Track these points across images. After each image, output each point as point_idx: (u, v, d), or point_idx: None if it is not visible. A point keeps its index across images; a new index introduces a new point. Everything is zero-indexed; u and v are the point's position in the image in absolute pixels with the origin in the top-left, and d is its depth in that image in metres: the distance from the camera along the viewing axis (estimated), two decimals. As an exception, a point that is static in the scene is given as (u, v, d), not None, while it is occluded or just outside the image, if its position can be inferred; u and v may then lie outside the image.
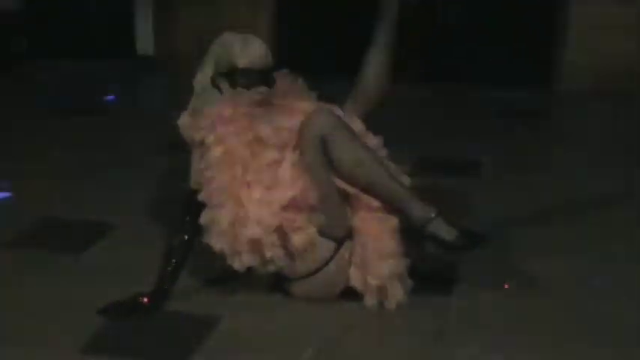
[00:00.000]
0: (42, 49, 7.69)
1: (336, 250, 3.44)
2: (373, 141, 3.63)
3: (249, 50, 3.54)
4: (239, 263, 3.40)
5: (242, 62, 3.52)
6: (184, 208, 3.54)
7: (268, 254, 3.36)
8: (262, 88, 3.53)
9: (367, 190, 3.44)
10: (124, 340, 3.25)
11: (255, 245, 3.35)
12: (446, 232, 3.37)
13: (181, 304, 3.48)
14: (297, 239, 3.35)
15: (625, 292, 3.66)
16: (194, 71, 3.68)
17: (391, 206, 3.44)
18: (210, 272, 3.64)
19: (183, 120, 3.53)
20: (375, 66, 3.66)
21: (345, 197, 3.48)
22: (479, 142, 5.71)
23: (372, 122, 3.69)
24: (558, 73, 7.01)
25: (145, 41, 7.55)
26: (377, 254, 3.44)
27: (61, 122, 6.07)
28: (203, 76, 3.60)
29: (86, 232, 4.19)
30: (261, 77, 3.55)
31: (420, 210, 3.38)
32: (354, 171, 3.41)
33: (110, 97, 6.69)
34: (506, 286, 3.52)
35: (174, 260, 3.49)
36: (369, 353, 3.21)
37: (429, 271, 3.66)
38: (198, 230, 3.45)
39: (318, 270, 3.44)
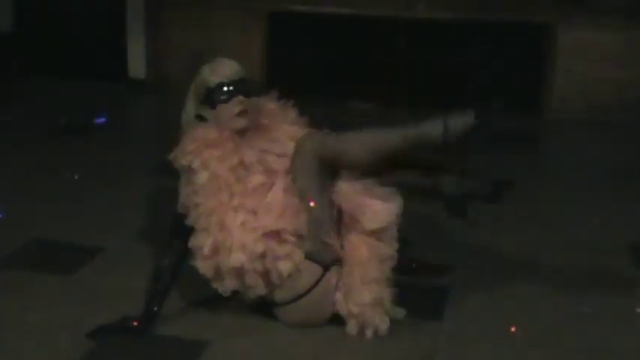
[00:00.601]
0: (35, 71, 7.70)
1: (322, 275, 3.45)
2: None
3: (218, 68, 3.55)
4: (222, 288, 3.42)
5: (213, 80, 3.52)
6: (172, 232, 3.55)
7: (249, 282, 3.38)
8: (239, 98, 3.51)
9: (391, 157, 3.53)
10: (114, 362, 3.27)
11: (238, 272, 3.37)
12: (462, 120, 3.64)
13: (170, 327, 3.49)
14: (283, 267, 3.36)
15: (612, 319, 3.68)
16: (185, 94, 3.69)
17: (419, 146, 3.54)
18: (199, 295, 3.65)
19: (176, 151, 3.53)
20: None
21: (338, 220, 3.50)
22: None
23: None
24: (548, 102, 7.04)
25: (136, 65, 7.58)
26: (360, 279, 3.43)
27: (52, 144, 6.08)
28: (187, 114, 3.62)
29: (75, 254, 4.20)
30: (236, 88, 3.52)
31: (431, 125, 3.51)
32: (376, 156, 3.48)
33: (101, 120, 6.70)
34: (512, 330, 3.51)
35: (162, 283, 3.50)
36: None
37: (420, 297, 3.67)
38: (186, 253, 3.46)
39: (303, 295, 3.45)
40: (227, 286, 3.41)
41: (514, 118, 6.82)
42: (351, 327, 3.45)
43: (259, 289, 3.40)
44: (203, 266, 3.40)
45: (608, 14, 7.15)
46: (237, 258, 3.33)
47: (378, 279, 3.44)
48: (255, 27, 7.39)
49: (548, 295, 3.87)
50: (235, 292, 3.46)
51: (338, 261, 3.48)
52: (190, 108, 3.61)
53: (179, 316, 3.57)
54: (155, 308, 3.47)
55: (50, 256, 4.20)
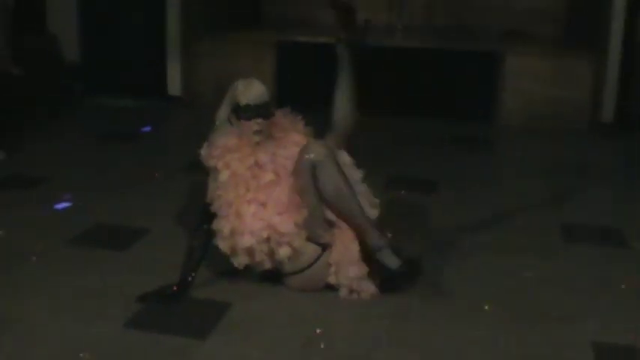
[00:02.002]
0: (96, 92, 7.70)
1: (321, 253, 3.48)
2: (356, 174, 3.63)
3: (249, 90, 3.53)
4: (237, 262, 3.47)
5: (243, 100, 3.51)
6: (201, 217, 3.58)
7: (258, 259, 3.43)
8: (259, 120, 3.52)
9: (339, 215, 3.48)
10: (157, 319, 3.30)
11: (249, 251, 3.42)
12: (391, 261, 3.41)
13: (201, 292, 3.53)
14: (282, 252, 3.42)
15: (549, 281, 3.73)
16: (212, 107, 3.70)
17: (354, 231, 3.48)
18: (223, 267, 3.66)
19: (204, 151, 3.57)
20: (342, 108, 3.73)
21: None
22: (435, 165, 5.74)
23: (352, 150, 3.75)
24: (498, 113, 7.03)
25: (174, 84, 7.58)
26: (345, 260, 3.46)
27: (107, 147, 6.09)
28: (221, 115, 3.63)
29: (127, 234, 4.23)
30: (258, 111, 3.51)
31: (375, 239, 3.43)
32: (333, 200, 3.44)
33: (146, 128, 6.70)
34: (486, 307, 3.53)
35: (194, 258, 3.53)
36: (352, 331, 3.26)
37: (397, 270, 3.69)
38: (212, 235, 3.50)
39: (305, 269, 3.49)
40: (241, 261, 3.47)
41: (472, 125, 6.90)
42: (343, 292, 3.49)
43: (267, 264, 3.47)
44: (223, 245, 3.46)
45: (542, 44, 7.18)
46: (247, 240, 3.39)
47: (358, 260, 3.47)
48: (266, 54, 7.39)
49: (498, 263, 3.91)
50: (247, 266, 3.50)
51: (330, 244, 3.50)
52: (224, 111, 3.61)
53: (208, 283, 3.61)
54: (189, 278, 3.51)
55: (109, 236, 4.22)
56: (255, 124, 3.51)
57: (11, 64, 6.08)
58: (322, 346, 3.10)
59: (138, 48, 7.70)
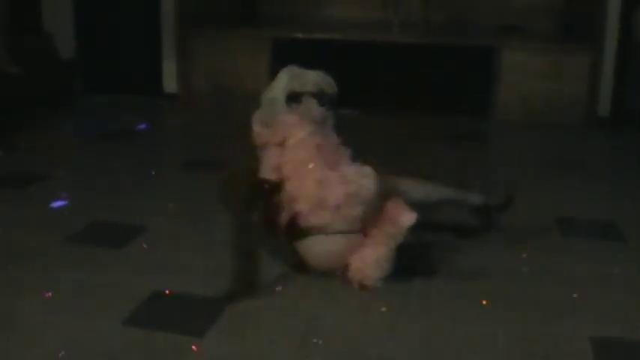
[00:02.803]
0: (92, 89, 7.72)
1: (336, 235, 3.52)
2: (346, 152, 3.74)
3: (332, 83, 3.81)
4: (316, 219, 3.50)
5: (329, 90, 3.76)
6: (252, 193, 3.61)
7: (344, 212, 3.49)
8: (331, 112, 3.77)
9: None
10: (155, 316, 3.30)
11: (337, 208, 3.47)
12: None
13: (200, 288, 3.52)
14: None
15: (548, 276, 3.74)
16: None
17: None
18: (221, 264, 3.65)
19: (256, 129, 3.68)
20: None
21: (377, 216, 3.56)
22: (432, 158, 5.75)
23: (352, 145, 3.79)
24: (494, 107, 7.06)
25: (170, 82, 7.59)
26: (363, 266, 3.51)
27: (106, 146, 6.08)
28: (276, 91, 3.75)
29: (125, 232, 4.22)
30: (333, 102, 3.77)
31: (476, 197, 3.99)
32: (416, 200, 3.70)
33: (142, 126, 6.70)
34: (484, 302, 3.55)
35: (250, 240, 3.56)
36: (351, 328, 3.26)
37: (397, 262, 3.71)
38: (264, 211, 3.55)
39: (325, 233, 3.52)
40: (319, 218, 3.49)
41: (469, 119, 6.92)
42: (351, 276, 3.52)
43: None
44: (303, 204, 3.49)
45: (538, 40, 7.20)
46: (340, 190, 3.47)
47: (386, 257, 3.52)
48: (262, 51, 7.39)
49: (494, 258, 3.92)
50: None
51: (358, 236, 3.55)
52: (283, 85, 3.76)
53: (206, 279, 3.60)
54: (253, 263, 3.55)
55: (106, 233, 4.23)
56: (327, 114, 3.71)
57: (10, 64, 6.09)
58: (321, 343, 3.11)
59: (134, 46, 7.71)
